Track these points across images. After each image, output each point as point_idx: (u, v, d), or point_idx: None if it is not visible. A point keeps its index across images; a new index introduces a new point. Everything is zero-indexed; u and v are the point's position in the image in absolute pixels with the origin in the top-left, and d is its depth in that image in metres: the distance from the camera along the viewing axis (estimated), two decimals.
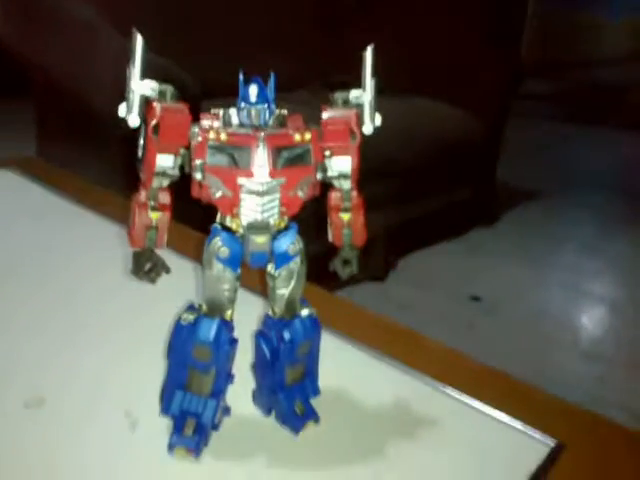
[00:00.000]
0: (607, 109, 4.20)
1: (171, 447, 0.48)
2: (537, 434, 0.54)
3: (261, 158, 0.44)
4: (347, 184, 0.49)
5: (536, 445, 0.53)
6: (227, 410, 0.51)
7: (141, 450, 0.49)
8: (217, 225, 0.47)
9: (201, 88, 1.49)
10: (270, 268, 0.48)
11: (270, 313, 0.50)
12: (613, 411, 1.30)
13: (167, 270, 0.47)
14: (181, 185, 0.47)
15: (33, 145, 1.93)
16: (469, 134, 2.10)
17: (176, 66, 1.45)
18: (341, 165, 0.48)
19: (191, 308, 0.48)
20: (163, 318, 0.49)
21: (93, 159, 1.73)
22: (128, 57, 0.44)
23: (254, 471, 0.48)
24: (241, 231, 0.46)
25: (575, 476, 0.50)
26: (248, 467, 0.48)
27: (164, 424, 0.50)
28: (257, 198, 0.44)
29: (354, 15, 2.34)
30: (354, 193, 0.50)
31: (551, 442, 0.53)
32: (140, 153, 0.46)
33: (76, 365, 0.59)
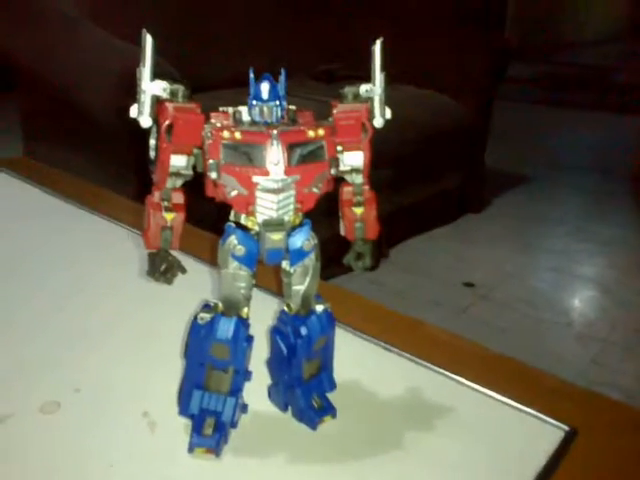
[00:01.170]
0: (590, 91, 4.22)
1: (192, 447, 0.48)
2: (549, 420, 0.55)
3: (276, 156, 0.43)
4: (359, 178, 0.49)
5: (549, 431, 0.54)
6: (244, 407, 0.51)
7: (162, 450, 0.49)
8: (231, 224, 0.47)
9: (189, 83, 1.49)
10: (285, 265, 0.48)
11: (285, 309, 0.50)
12: (606, 390, 1.32)
13: (183, 270, 0.47)
14: (193, 184, 0.47)
15: (16, 145, 1.90)
16: (457, 120, 2.10)
17: (163, 60, 1.44)
18: (353, 160, 0.49)
19: (207, 307, 0.48)
20: (178, 318, 0.49)
21: (80, 157, 1.72)
22: (136, 57, 0.44)
23: (275, 467, 0.48)
24: (256, 229, 0.46)
25: (589, 461, 0.51)
26: (268, 463, 0.48)
27: (182, 422, 0.50)
28: (273, 196, 0.44)
29: (332, 3, 2.33)
30: (366, 187, 0.50)
31: (564, 428, 0.54)
32: (152, 154, 0.46)
33: (90, 367, 0.59)
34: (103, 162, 1.64)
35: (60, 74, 1.71)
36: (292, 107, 0.46)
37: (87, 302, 0.70)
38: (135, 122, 0.45)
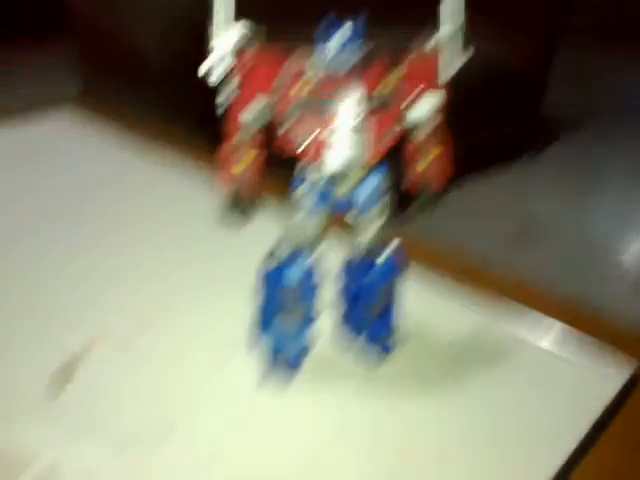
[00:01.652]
0: None
1: (262, 381, 0.51)
2: (609, 364, 0.56)
3: (348, 107, 0.44)
4: (424, 133, 0.49)
5: (609, 375, 0.55)
6: (309, 348, 0.53)
7: (234, 382, 0.52)
8: (302, 172, 0.48)
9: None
10: (355, 211, 0.49)
11: (354, 253, 0.52)
12: None
13: (257, 211, 0.49)
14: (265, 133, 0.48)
15: (70, 83, 1.89)
16: (514, 67, 2.04)
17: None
18: (419, 113, 0.49)
19: (277, 251, 0.49)
20: (250, 262, 0.51)
21: (138, 99, 1.73)
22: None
23: (335, 404, 0.51)
24: (326, 178, 0.47)
25: None
26: (332, 400, 0.51)
27: (251, 360, 0.53)
28: (343, 147, 0.45)
29: None
30: (437, 139, 0.50)
31: (624, 371, 0.55)
32: (226, 103, 0.47)
33: (166, 304, 0.62)
34: (161, 106, 1.66)
35: (118, 16, 1.72)
36: (369, 55, 0.46)
37: (152, 243, 0.72)
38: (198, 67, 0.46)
